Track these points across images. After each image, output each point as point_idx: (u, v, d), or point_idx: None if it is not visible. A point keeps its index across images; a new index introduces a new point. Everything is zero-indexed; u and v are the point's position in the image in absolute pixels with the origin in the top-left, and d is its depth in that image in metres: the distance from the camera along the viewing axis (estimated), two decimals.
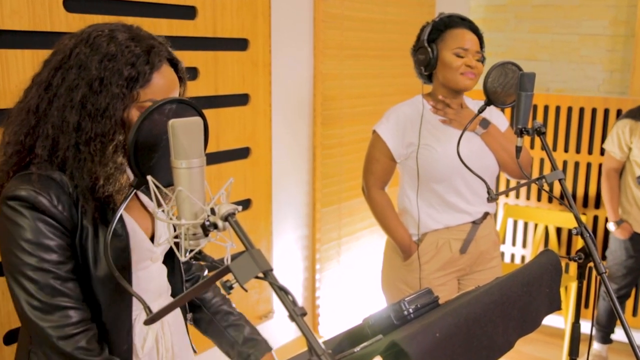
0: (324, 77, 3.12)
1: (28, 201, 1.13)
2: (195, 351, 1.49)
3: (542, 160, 3.91)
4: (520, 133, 1.55)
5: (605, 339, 3.47)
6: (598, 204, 3.73)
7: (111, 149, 1.17)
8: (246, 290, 0.86)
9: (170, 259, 1.40)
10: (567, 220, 3.65)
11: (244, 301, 2.81)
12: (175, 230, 0.99)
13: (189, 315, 1.47)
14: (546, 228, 3.79)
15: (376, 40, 3.47)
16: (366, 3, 3.36)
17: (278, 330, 3.03)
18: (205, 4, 2.44)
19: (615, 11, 3.71)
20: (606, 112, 3.67)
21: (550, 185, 3.87)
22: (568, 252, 3.86)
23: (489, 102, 1.86)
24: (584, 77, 3.86)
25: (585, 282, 1.84)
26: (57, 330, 1.14)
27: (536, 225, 3.86)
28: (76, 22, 1.97)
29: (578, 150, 3.78)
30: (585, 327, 3.33)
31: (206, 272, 1.58)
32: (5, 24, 1.81)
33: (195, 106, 1.13)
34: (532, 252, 3.92)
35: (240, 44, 2.66)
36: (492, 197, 1.65)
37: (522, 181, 2.89)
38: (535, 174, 3.86)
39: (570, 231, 3.81)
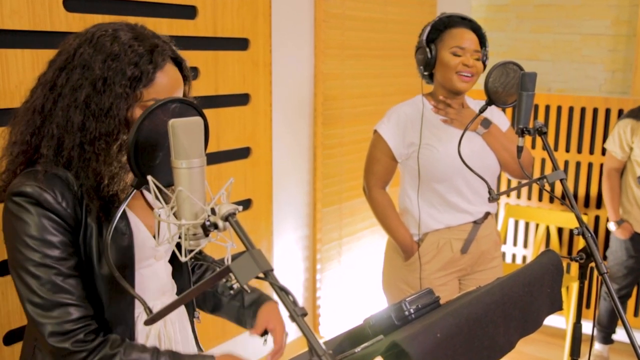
0: (324, 77, 3.12)
1: (33, 197, 1.14)
2: (201, 349, 1.49)
3: (543, 160, 3.91)
4: (522, 133, 1.55)
5: (607, 339, 3.46)
6: (599, 204, 3.72)
7: (115, 148, 1.18)
8: (247, 291, 0.85)
9: (176, 257, 1.41)
10: (568, 221, 3.65)
11: None
12: (175, 230, 0.99)
13: (196, 313, 1.48)
14: (547, 228, 3.79)
15: (377, 40, 3.47)
16: (367, 3, 3.35)
17: None
18: (205, 3, 2.43)
19: (617, 11, 3.70)
20: (608, 112, 3.66)
21: (552, 185, 3.87)
22: (569, 252, 3.85)
23: (490, 102, 1.86)
24: (586, 77, 3.86)
25: (586, 283, 1.84)
26: (56, 326, 1.14)
27: (537, 225, 3.85)
28: (76, 22, 1.96)
29: (579, 150, 3.78)
30: (587, 327, 3.33)
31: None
32: (5, 23, 1.81)
33: (195, 106, 1.13)
34: (533, 252, 3.91)
35: (240, 44, 2.65)
36: (493, 197, 1.65)
37: (524, 181, 2.89)
38: (536, 174, 3.85)
39: (571, 231, 3.80)
